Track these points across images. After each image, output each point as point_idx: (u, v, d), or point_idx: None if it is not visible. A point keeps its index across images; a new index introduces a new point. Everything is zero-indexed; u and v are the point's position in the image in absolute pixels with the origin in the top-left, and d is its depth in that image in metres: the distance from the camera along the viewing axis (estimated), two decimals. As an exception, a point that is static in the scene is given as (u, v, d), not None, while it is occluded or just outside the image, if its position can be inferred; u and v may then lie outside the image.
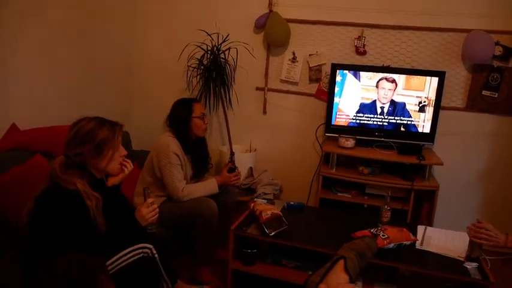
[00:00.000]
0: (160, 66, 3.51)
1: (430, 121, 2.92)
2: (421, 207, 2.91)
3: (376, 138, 3.01)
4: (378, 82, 2.93)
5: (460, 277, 1.90)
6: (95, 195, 1.73)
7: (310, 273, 1.87)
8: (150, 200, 1.90)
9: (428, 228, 2.36)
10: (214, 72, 3.10)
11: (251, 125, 3.45)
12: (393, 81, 2.92)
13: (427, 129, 2.94)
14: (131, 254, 1.79)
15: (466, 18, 2.85)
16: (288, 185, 3.29)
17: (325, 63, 3.18)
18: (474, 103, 2.95)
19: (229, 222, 2.77)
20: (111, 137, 1.78)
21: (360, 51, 3.10)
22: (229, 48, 3.15)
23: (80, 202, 1.69)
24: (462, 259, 2.01)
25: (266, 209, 2.21)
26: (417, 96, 2.91)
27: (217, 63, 3.09)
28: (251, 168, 3.23)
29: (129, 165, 1.91)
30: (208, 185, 2.54)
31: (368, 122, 3.02)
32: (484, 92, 2.90)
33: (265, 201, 2.54)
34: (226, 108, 3.21)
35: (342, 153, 2.92)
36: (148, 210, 1.88)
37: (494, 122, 2.96)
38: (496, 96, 2.87)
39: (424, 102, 2.90)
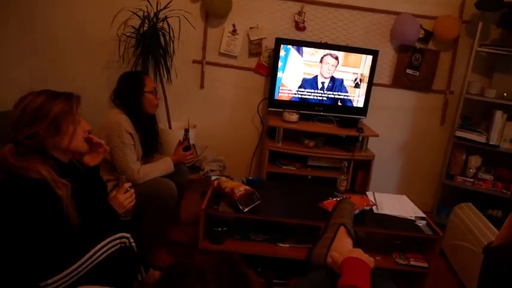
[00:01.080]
0: (84, 35, 3.11)
1: (364, 96, 3.16)
2: (356, 176, 3.16)
3: (316, 113, 3.14)
4: (322, 57, 3.03)
5: (416, 234, 2.14)
6: (63, 182, 1.48)
7: (310, 246, 1.93)
8: (127, 185, 1.72)
9: (376, 193, 2.58)
10: (152, 43, 2.85)
11: (188, 100, 3.29)
12: (336, 58, 3.05)
13: (360, 104, 3.17)
14: (109, 246, 1.62)
15: (395, 1, 3.10)
16: (229, 160, 3.25)
17: (265, 37, 3.17)
18: (399, 80, 3.26)
19: (181, 202, 2.69)
20: (68, 110, 1.51)
21: (300, 27, 3.16)
22: (166, 17, 2.92)
23: (49, 192, 1.44)
24: (413, 218, 2.26)
25: (237, 186, 2.16)
26: (353, 73, 3.11)
27: (156, 33, 2.85)
28: (193, 145, 3.10)
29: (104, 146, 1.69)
30: (164, 165, 2.37)
31: (309, 97, 3.12)
32: (408, 71, 3.22)
33: (223, 177, 2.48)
34: (164, 82, 3.00)
35: (287, 127, 2.98)
36: (126, 196, 1.70)
37: (414, 97, 3.32)
38: (417, 74, 3.22)
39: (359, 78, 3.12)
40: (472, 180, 3.07)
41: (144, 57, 2.86)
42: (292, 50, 3.01)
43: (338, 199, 2.23)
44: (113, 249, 1.62)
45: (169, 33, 2.89)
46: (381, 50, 3.15)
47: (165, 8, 2.87)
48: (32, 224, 1.41)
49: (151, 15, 2.84)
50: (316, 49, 3.03)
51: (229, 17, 3.12)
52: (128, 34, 2.87)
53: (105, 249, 1.59)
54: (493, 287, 1.28)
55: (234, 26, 3.13)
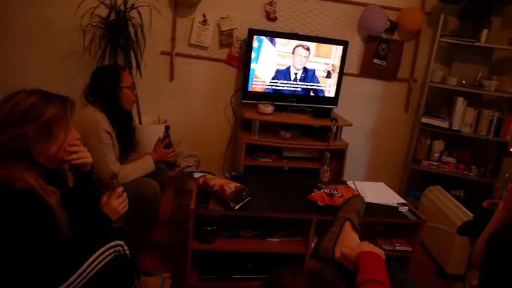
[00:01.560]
0: (44, 24, 2.86)
1: (335, 86, 3.20)
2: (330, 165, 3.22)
3: (289, 104, 3.14)
4: (294, 48, 3.02)
5: (402, 220, 2.22)
6: (51, 189, 1.35)
7: (315, 241, 1.93)
8: (119, 189, 1.62)
9: (355, 182, 2.64)
10: (120, 33, 2.68)
11: (157, 93, 3.15)
12: (308, 49, 3.05)
13: (332, 94, 3.22)
14: (104, 255, 1.51)
15: (362, -8, 3.17)
16: (202, 154, 3.16)
17: (236, 28, 3.10)
18: (366, 70, 3.35)
19: (161, 201, 2.58)
20: (62, 115, 1.38)
21: (271, 17, 3.12)
22: (133, 5, 2.75)
23: (39, 202, 1.32)
24: (396, 205, 2.35)
25: (226, 183, 2.11)
26: (325, 63, 3.14)
27: (125, 23, 2.68)
28: (168, 140, 2.99)
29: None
30: (144, 164, 2.26)
31: (282, 88, 3.12)
32: (375, 60, 3.31)
33: (208, 174, 2.41)
34: (134, 75, 2.84)
35: (263, 119, 2.96)
36: (119, 202, 1.60)
37: (380, 86, 3.43)
38: (384, 64, 3.32)
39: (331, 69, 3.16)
40: (436, 163, 3.25)
41: (113, 48, 2.68)
42: (265, 41, 2.97)
43: (325, 191, 2.26)
44: (108, 258, 1.51)
45: (141, 24, 2.73)
46: (350, 40, 3.19)
47: (133, -4, 2.71)
48: (25, 238, 1.29)
49: (119, 3, 2.67)
50: (289, 40, 3.02)
51: (200, 6, 3.01)
52: (94, 24, 2.68)
53: (100, 259, 1.49)
54: (495, 273, 1.37)
55: (204, 16, 3.02)
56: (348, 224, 1.62)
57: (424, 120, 3.20)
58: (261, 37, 2.95)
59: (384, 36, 3.27)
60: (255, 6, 3.09)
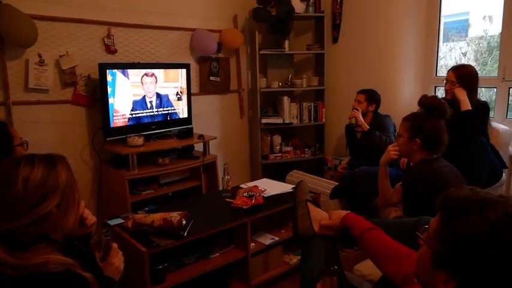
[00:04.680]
0: None
1: (186, 107, 3.38)
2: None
3: (152, 132, 3.13)
4: (141, 78, 3.04)
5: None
6: (76, 264, 1.16)
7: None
8: (115, 246, 1.43)
9: (247, 184, 2.93)
10: None
11: (-5, 153, 2.58)
12: (153, 75, 3.11)
13: (185, 115, 3.39)
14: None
15: (188, 19, 3.45)
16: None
17: (77, 65, 2.87)
18: (205, 87, 3.66)
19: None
20: (71, 177, 1.20)
21: (112, 50, 3.03)
22: None
23: (81, 280, 1.11)
24: (291, 190, 2.76)
25: (166, 215, 2.05)
26: (174, 87, 3.27)
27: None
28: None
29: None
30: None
31: (143, 118, 3.08)
32: (211, 78, 3.66)
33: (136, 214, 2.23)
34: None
35: (138, 151, 2.86)
36: (119, 258, 1.43)
37: (218, 100, 3.81)
38: (218, 80, 3.71)
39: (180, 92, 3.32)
40: (280, 154, 3.88)
41: None
42: (119, 74, 2.88)
43: (244, 195, 2.46)
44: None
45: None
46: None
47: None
48: None
49: None
50: (140, 70, 3.02)
51: (33, 45, 2.64)
52: None
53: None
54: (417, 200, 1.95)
55: (40, 55, 2.67)
56: (310, 204, 1.92)
57: (264, 120, 3.77)
58: (114, 70, 2.85)
59: (213, 55, 3.65)
60: (93, 41, 2.94)
